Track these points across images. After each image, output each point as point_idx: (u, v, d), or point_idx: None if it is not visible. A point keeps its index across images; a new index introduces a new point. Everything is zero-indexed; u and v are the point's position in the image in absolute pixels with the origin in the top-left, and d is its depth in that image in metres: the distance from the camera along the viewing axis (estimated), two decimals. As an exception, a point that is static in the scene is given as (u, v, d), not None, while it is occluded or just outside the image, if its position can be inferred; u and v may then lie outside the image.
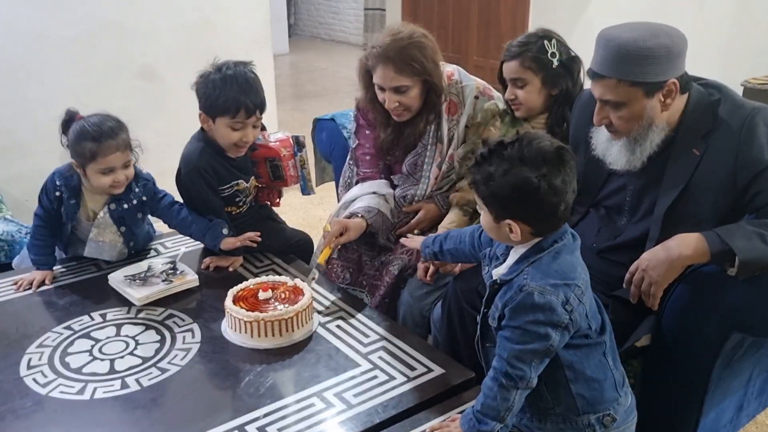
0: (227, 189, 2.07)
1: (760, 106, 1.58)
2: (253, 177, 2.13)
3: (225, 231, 2.04)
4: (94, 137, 1.89)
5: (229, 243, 2.04)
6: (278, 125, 4.11)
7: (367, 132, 2.22)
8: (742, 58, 4.93)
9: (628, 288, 1.59)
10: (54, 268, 2.05)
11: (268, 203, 2.24)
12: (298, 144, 2.13)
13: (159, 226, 2.38)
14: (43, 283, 1.99)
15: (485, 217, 1.35)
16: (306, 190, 2.20)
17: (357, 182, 2.23)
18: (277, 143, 2.11)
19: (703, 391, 1.59)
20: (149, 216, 2.18)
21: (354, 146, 2.27)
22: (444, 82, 2.09)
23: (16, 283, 1.98)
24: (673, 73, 1.54)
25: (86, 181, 1.98)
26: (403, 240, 1.85)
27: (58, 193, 1.98)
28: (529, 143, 1.26)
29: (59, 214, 2.02)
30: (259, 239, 2.06)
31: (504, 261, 1.38)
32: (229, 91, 1.91)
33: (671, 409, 1.66)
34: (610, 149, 1.66)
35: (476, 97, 2.12)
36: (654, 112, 1.56)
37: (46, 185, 2.01)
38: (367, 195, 2.13)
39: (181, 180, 2.08)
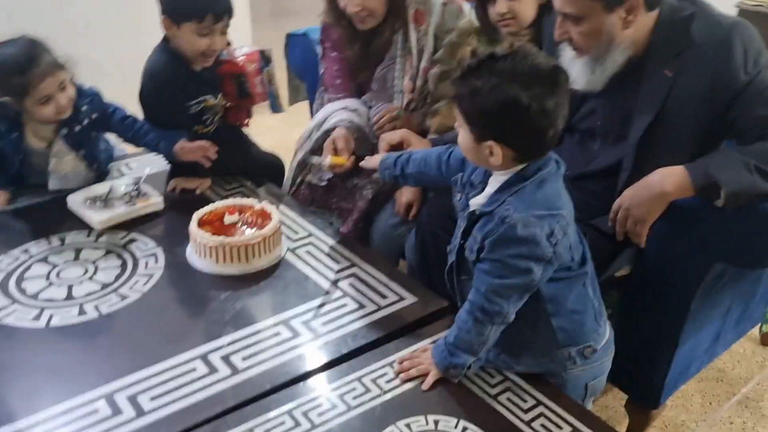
0: (194, 105, 1.95)
1: (736, 21, 1.49)
2: (220, 95, 2.01)
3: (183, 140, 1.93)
4: (16, 68, 1.73)
5: (185, 148, 1.91)
6: (253, 44, 3.93)
7: (333, 54, 2.11)
8: None
9: (613, 226, 1.53)
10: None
11: (237, 123, 2.13)
12: (265, 58, 2.00)
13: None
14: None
15: (464, 137, 1.24)
16: (275, 108, 2.09)
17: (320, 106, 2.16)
18: (243, 58, 1.98)
19: (681, 321, 1.56)
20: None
21: (321, 72, 2.17)
22: None
23: None
24: None
25: (27, 115, 1.84)
26: (362, 163, 1.72)
27: None
28: (524, 58, 1.15)
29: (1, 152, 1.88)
30: (214, 156, 1.94)
31: (482, 190, 1.29)
32: None
33: (648, 340, 1.64)
34: (573, 67, 1.56)
35: (444, 4, 2.00)
36: (614, 29, 1.46)
37: None
38: (337, 111, 2.04)
39: (144, 95, 1.95)
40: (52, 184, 1.94)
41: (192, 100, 1.94)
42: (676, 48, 1.49)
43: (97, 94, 1.97)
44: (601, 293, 1.66)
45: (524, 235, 1.18)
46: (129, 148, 2.16)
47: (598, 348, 1.33)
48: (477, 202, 1.28)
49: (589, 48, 1.51)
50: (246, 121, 2.15)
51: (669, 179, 1.45)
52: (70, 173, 1.96)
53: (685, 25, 1.49)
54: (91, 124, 1.94)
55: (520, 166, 1.22)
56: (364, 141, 2.00)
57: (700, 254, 1.49)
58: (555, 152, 1.72)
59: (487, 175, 1.29)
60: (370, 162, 1.65)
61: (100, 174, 2.05)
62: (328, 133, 1.99)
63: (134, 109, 2.01)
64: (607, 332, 1.37)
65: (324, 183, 2.06)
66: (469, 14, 2.00)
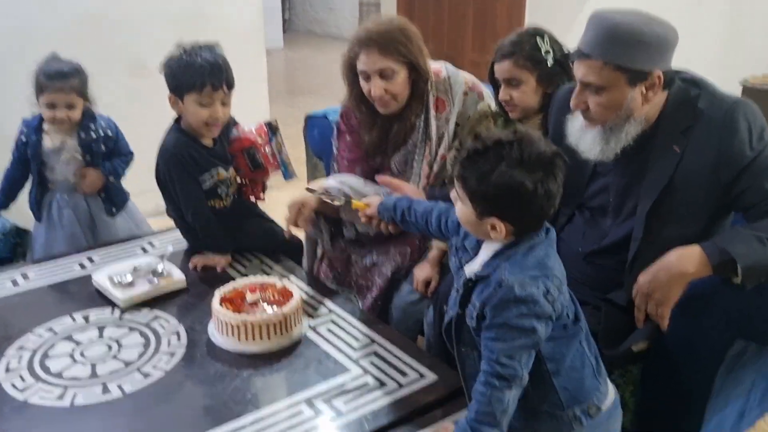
0: (208, 179, 2.02)
1: (739, 100, 1.54)
2: (232, 168, 2.09)
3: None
4: (46, 74, 2.19)
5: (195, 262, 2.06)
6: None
7: (348, 138, 2.15)
8: (740, 57, 4.90)
9: (637, 316, 1.54)
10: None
11: (253, 198, 2.18)
12: (272, 129, 2.08)
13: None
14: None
15: (465, 211, 1.29)
16: (288, 175, 2.14)
17: None
18: (251, 131, 2.07)
19: (705, 398, 1.55)
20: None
21: (335, 154, 2.20)
22: (431, 78, 2.03)
23: None
24: (661, 65, 1.49)
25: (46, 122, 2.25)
26: (360, 202, 1.73)
27: (24, 138, 2.25)
28: (529, 145, 1.22)
29: (27, 160, 2.27)
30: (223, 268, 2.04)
31: (474, 255, 1.34)
32: (194, 67, 1.91)
33: (672, 417, 1.62)
34: (584, 137, 1.61)
35: (465, 93, 2.06)
36: (634, 103, 1.51)
37: (16, 142, 2.28)
38: (329, 180, 2.08)
39: (160, 173, 2.03)
40: (59, 173, 2.30)
41: (204, 172, 2.01)
42: (683, 125, 1.54)
43: (113, 121, 2.37)
44: (620, 369, 1.66)
45: (523, 296, 1.21)
46: (155, 225, 2.24)
47: (602, 407, 1.33)
48: (471, 269, 1.33)
49: (605, 119, 1.55)
50: (262, 195, 2.21)
51: (687, 259, 1.47)
52: (73, 165, 2.30)
53: (692, 104, 1.55)
54: (105, 138, 2.32)
55: (513, 238, 1.28)
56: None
57: (721, 331, 1.49)
58: (566, 231, 1.76)
59: (479, 242, 1.34)
60: (369, 204, 1.67)
61: (108, 202, 2.39)
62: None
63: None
64: (610, 392, 1.37)
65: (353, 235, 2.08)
66: (488, 99, 2.07)
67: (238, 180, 2.14)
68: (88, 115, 2.29)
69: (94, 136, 2.30)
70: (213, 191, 2.04)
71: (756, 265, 1.43)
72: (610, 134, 1.56)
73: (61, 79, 2.19)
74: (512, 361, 1.23)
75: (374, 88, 1.94)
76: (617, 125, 1.55)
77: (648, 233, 1.57)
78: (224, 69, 1.95)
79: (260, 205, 2.24)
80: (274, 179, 2.21)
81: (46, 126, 2.26)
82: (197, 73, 1.90)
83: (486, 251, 1.31)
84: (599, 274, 1.68)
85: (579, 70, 1.55)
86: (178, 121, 2.03)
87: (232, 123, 2.10)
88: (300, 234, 2.29)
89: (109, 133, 2.34)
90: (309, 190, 1.91)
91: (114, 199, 2.40)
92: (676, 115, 1.55)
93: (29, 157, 2.28)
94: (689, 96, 1.55)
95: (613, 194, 1.67)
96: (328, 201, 1.87)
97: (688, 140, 1.53)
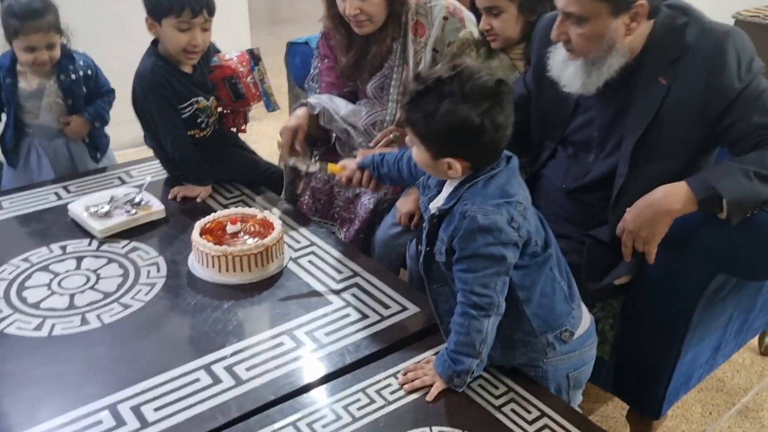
0: (187, 108, 1.95)
1: (730, 30, 1.48)
2: (213, 97, 2.02)
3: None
4: (18, 15, 1.99)
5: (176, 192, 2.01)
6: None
7: (326, 61, 2.13)
8: None
9: (625, 252, 1.53)
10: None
11: (234, 129, 2.13)
12: (254, 57, 2.01)
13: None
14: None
15: (420, 154, 1.29)
16: (270, 106, 2.08)
17: None
18: (233, 60, 1.99)
19: (683, 333, 1.56)
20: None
21: (314, 72, 2.19)
22: (411, 2, 1.97)
23: None
24: None
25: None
26: (336, 165, 1.71)
27: None
28: (470, 78, 1.21)
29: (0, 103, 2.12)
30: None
31: (438, 192, 1.34)
32: None
33: (650, 350, 1.64)
34: (566, 70, 1.56)
35: (445, 18, 2.00)
36: (616, 34, 1.46)
37: None
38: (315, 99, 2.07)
39: (137, 100, 1.96)
40: (41, 118, 2.14)
41: (183, 103, 1.95)
42: (671, 56, 1.50)
43: (91, 59, 2.19)
44: (601, 302, 1.67)
45: (487, 224, 1.22)
46: (131, 156, 2.17)
47: (575, 331, 1.35)
48: (436, 205, 1.33)
49: (588, 51, 1.50)
50: (243, 127, 2.15)
51: (672, 196, 1.45)
52: (56, 110, 2.16)
53: (679, 33, 1.49)
54: (85, 78, 2.17)
55: (472, 172, 1.28)
56: (328, 118, 2.02)
57: (702, 266, 1.49)
58: (549, 166, 1.73)
59: (442, 179, 1.34)
60: (347, 166, 1.67)
61: (92, 147, 2.27)
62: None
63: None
64: (584, 317, 1.38)
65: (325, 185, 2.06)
66: (471, 26, 2.00)
67: (219, 109, 2.08)
68: (66, 54, 2.12)
69: (74, 77, 2.14)
70: (192, 121, 1.98)
71: (741, 200, 1.41)
72: (592, 67, 1.52)
73: (35, 18, 1.99)
74: (487, 289, 1.24)
75: (349, 6, 1.88)
76: (599, 58, 1.50)
77: (633, 169, 1.55)
78: None
79: (241, 136, 2.19)
80: (256, 110, 2.16)
81: (20, 67, 2.10)
82: None
83: (448, 186, 1.32)
84: (583, 211, 1.66)
85: (559, 0, 1.49)
86: (155, 44, 1.94)
87: (212, 50, 2.02)
88: (281, 164, 2.26)
89: (89, 72, 2.19)
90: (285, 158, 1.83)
91: (97, 144, 2.28)
92: (663, 45, 1.50)
93: (4, 101, 2.13)
94: (677, 25, 1.50)
95: (597, 129, 1.63)
96: (304, 167, 1.80)
97: (676, 72, 1.49)
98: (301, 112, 2.00)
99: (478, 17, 1.92)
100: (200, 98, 1.97)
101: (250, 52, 2.02)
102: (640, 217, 1.47)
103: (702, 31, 1.49)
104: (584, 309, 1.40)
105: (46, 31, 2.00)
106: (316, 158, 1.92)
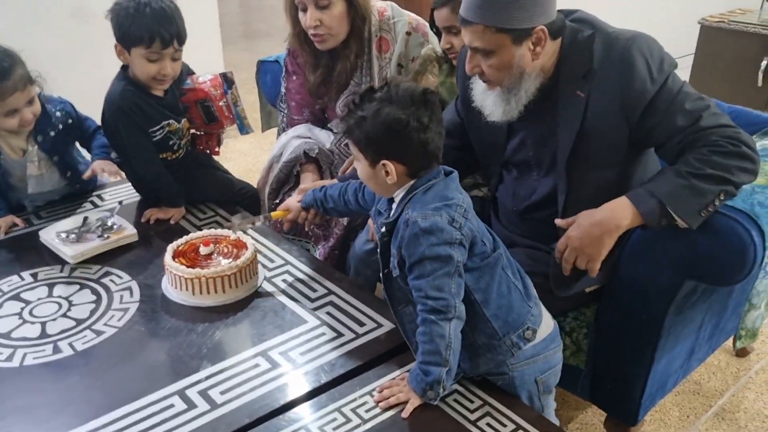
0: (158, 131, 1.94)
1: (634, 35, 1.52)
2: (185, 119, 2.01)
3: (113, 155, 1.98)
4: None
5: (97, 165, 1.95)
6: (225, 67, 3.93)
7: (294, 78, 2.16)
8: None
9: (560, 263, 1.55)
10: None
11: (207, 151, 2.12)
12: (227, 80, 2.00)
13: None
14: (11, 227, 1.93)
15: (362, 167, 1.37)
16: (244, 129, 2.08)
17: (285, 126, 2.24)
18: (206, 83, 1.98)
19: (656, 339, 1.58)
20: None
21: (283, 92, 2.22)
22: (375, 19, 2.00)
23: None
24: (541, 19, 1.46)
25: None
26: (278, 210, 1.79)
27: None
28: (397, 86, 1.32)
29: None
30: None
31: (389, 215, 1.38)
32: (142, 20, 1.78)
33: (624, 357, 1.65)
34: (486, 100, 1.60)
35: (408, 33, 2.03)
36: (524, 60, 1.50)
37: None
38: (291, 141, 2.11)
39: (106, 125, 1.95)
40: (32, 188, 1.99)
41: (154, 126, 1.93)
42: (582, 69, 1.53)
43: (68, 102, 2.03)
44: (574, 311, 1.69)
45: (427, 226, 1.27)
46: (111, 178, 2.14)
47: (537, 328, 1.37)
48: (383, 221, 1.38)
49: (501, 80, 1.54)
50: (216, 149, 2.15)
51: (618, 213, 1.48)
52: (46, 176, 2.00)
53: (587, 46, 1.53)
54: (66, 130, 2.00)
55: (412, 181, 1.34)
56: (324, 155, 2.08)
57: (670, 273, 1.51)
58: (500, 191, 1.77)
59: (390, 201, 1.39)
60: (289, 203, 1.77)
61: (79, 186, 2.10)
62: (288, 164, 2.10)
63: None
64: (545, 320, 1.41)
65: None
66: (434, 41, 2.02)
67: (191, 131, 2.07)
68: (44, 114, 1.93)
69: (53, 134, 1.96)
70: (164, 143, 1.97)
71: (684, 201, 1.43)
72: (509, 94, 1.56)
73: (7, 77, 1.79)
74: (441, 292, 1.27)
75: (309, 18, 1.91)
76: (513, 85, 1.54)
77: (571, 182, 1.58)
78: (175, 22, 1.82)
79: (214, 155, 2.18)
80: (229, 129, 2.16)
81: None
82: (145, 27, 1.78)
83: (395, 204, 1.36)
84: (537, 228, 1.70)
85: (465, 36, 1.53)
86: (125, 68, 1.93)
87: (185, 72, 2.01)
88: (254, 182, 2.26)
89: (69, 121, 2.01)
90: (233, 226, 1.77)
91: (85, 186, 2.13)
92: (573, 60, 1.54)
93: None
94: (583, 39, 1.53)
95: (532, 148, 1.67)
96: (251, 227, 1.81)
97: (590, 84, 1.52)
98: (312, 177, 2.05)
99: (439, 35, 1.94)
100: (172, 121, 1.96)
101: (224, 75, 2.01)
102: (586, 235, 1.49)
103: (607, 41, 1.52)
104: (545, 311, 1.43)
105: (23, 87, 1.82)
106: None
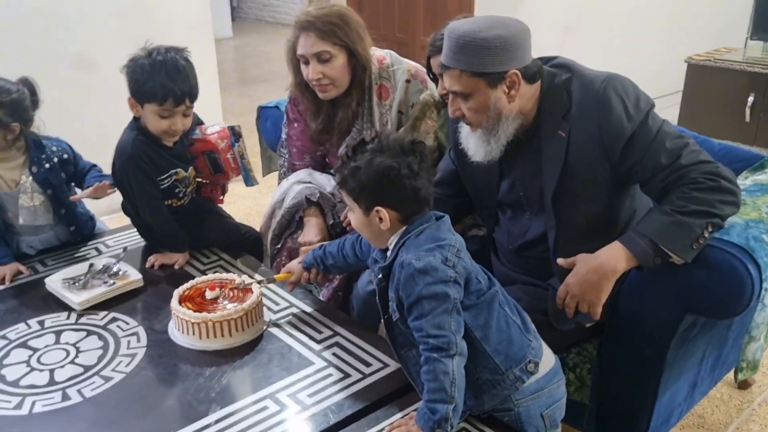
0: (165, 179, 1.98)
1: (608, 77, 1.58)
2: (192, 167, 2.06)
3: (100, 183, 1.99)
4: None
5: (80, 194, 1.98)
6: (223, 112, 3.99)
7: (296, 125, 2.21)
8: (684, 34, 5.02)
9: (562, 308, 1.58)
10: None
11: (212, 199, 2.16)
12: (235, 134, 2.06)
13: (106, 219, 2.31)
14: (16, 274, 1.95)
15: (356, 216, 1.43)
16: (249, 182, 2.14)
17: (286, 171, 2.28)
18: (214, 135, 2.04)
19: (659, 373, 1.59)
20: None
21: (284, 138, 2.27)
22: (375, 67, 2.06)
23: None
24: (514, 64, 1.53)
25: None
26: (281, 274, 1.83)
27: None
28: (387, 137, 1.41)
29: None
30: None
31: (384, 260, 1.43)
32: (157, 77, 1.83)
33: (628, 392, 1.67)
34: (470, 141, 1.67)
35: (407, 81, 2.09)
36: (500, 103, 1.56)
37: None
38: (292, 187, 2.15)
39: (116, 172, 1.99)
40: (23, 219, 2.02)
41: (162, 174, 1.98)
42: (561, 111, 1.59)
43: (66, 143, 2.08)
44: (576, 347, 1.71)
45: (421, 266, 1.32)
46: (110, 223, 2.17)
47: (539, 361, 1.39)
48: (381, 268, 1.43)
49: (480, 122, 1.61)
50: (220, 198, 2.19)
51: (613, 257, 1.51)
52: (40, 209, 2.02)
53: (565, 88, 1.60)
54: (60, 164, 2.04)
55: (404, 227, 1.40)
56: (325, 199, 2.12)
57: (670, 307, 1.54)
58: (496, 232, 1.83)
59: (385, 249, 1.44)
60: (291, 266, 1.81)
61: (75, 228, 2.12)
62: (290, 210, 2.14)
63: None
64: (546, 354, 1.43)
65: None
66: (432, 87, 2.08)
67: (197, 179, 2.11)
68: (36, 145, 1.99)
69: (47, 165, 2.00)
70: (171, 191, 2.01)
71: (673, 237, 1.47)
72: (488, 135, 1.62)
73: None
74: (441, 330, 1.30)
75: (312, 71, 1.96)
76: (492, 126, 1.60)
77: (560, 218, 1.63)
78: (188, 81, 1.88)
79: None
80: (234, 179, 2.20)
81: None
82: (159, 85, 1.83)
83: (389, 250, 1.42)
84: (533, 265, 1.74)
85: (445, 81, 1.61)
86: (137, 118, 1.96)
87: (195, 121, 2.06)
88: (256, 226, 2.29)
89: (65, 156, 2.05)
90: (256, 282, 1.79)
91: (83, 228, 2.17)
92: (552, 102, 1.60)
93: None
94: (561, 82, 1.60)
95: (521, 188, 1.72)
96: (257, 282, 1.80)
97: (570, 124, 1.58)
98: (315, 221, 2.09)
99: (436, 81, 2.00)
100: (179, 169, 2.00)
101: (231, 128, 2.08)
102: (585, 282, 1.53)
103: (584, 83, 1.59)
104: (545, 346, 1.45)
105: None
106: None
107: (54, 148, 2.04)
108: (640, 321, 1.59)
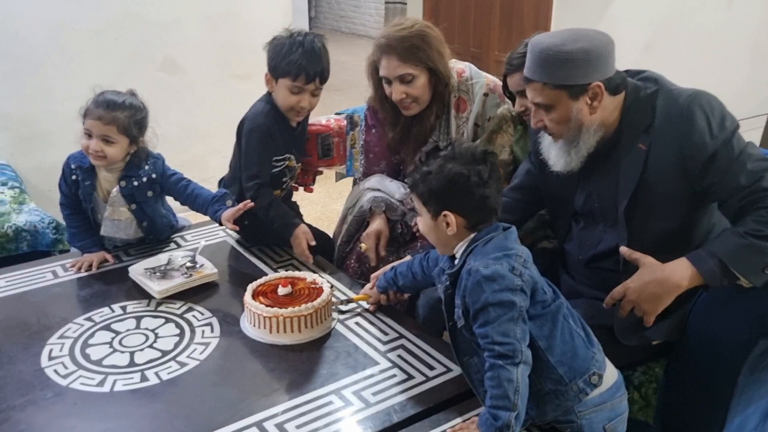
0: (279, 163, 2.09)
1: (695, 92, 1.57)
2: (299, 164, 2.14)
3: (228, 203, 2.05)
4: (96, 101, 1.98)
5: (228, 214, 2.00)
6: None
7: (374, 131, 2.26)
8: (765, 88, 4.84)
9: (611, 307, 1.58)
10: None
11: (302, 184, 2.26)
12: (352, 122, 2.15)
13: (188, 215, 2.42)
14: (103, 262, 2.06)
15: (424, 220, 1.46)
16: (351, 171, 2.22)
17: (361, 177, 2.33)
18: (331, 121, 2.15)
19: (728, 398, 1.56)
20: (168, 202, 2.21)
21: (361, 143, 2.33)
22: (454, 79, 2.09)
23: (74, 265, 2.05)
24: (596, 76, 1.54)
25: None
26: (360, 295, 1.86)
27: (74, 177, 2.05)
28: (460, 145, 1.44)
29: (79, 199, 2.07)
30: (252, 205, 2.00)
31: (452, 267, 1.45)
32: (293, 55, 1.96)
33: (695, 415, 1.64)
34: (551, 152, 1.69)
35: (485, 95, 2.11)
36: (581, 114, 1.57)
37: (63, 171, 2.08)
38: (364, 192, 2.21)
39: (243, 133, 2.08)
40: (104, 230, 2.11)
41: (279, 155, 2.08)
42: (644, 123, 1.60)
43: (161, 159, 2.14)
44: (642, 366, 1.69)
45: (489, 274, 1.33)
46: (192, 218, 2.26)
47: (602, 373, 1.39)
48: (448, 274, 1.45)
49: (561, 133, 1.63)
50: (311, 187, 2.29)
51: (678, 273, 1.51)
52: (122, 223, 2.11)
53: (650, 102, 1.60)
54: (149, 183, 2.10)
55: (472, 234, 1.42)
56: (391, 209, 2.16)
57: (744, 330, 1.51)
58: (568, 243, 1.83)
59: (452, 258, 1.47)
60: (372, 292, 1.83)
61: (154, 237, 2.18)
62: (357, 218, 2.20)
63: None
64: (609, 369, 1.43)
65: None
66: (509, 103, 2.10)
67: (298, 165, 2.19)
68: (134, 164, 2.06)
69: (136, 183, 2.05)
70: (278, 179, 2.12)
71: (744, 259, 1.45)
72: (569, 146, 1.63)
73: (106, 108, 1.95)
74: (507, 337, 1.31)
75: (395, 92, 2.02)
76: (573, 137, 1.62)
77: (632, 232, 1.63)
78: (321, 61, 1.99)
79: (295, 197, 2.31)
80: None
81: (97, 169, 2.05)
82: (295, 62, 1.96)
83: (456, 258, 1.45)
84: (602, 278, 1.73)
85: (528, 93, 1.64)
86: (270, 93, 2.07)
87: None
88: (328, 230, 2.36)
89: (153, 175, 2.08)
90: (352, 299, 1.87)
91: (161, 231, 2.21)
92: (635, 114, 1.61)
93: (83, 202, 2.08)
94: (646, 95, 1.60)
95: (597, 200, 1.72)
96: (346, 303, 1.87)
97: (651, 137, 1.58)
98: (380, 218, 2.14)
99: (513, 99, 2.02)
100: (291, 156, 2.11)
101: (349, 117, 2.16)
102: (645, 290, 1.53)
103: (670, 98, 1.58)
104: (608, 361, 1.44)
105: (108, 122, 1.95)
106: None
107: (147, 167, 2.08)
108: (712, 343, 1.56)
